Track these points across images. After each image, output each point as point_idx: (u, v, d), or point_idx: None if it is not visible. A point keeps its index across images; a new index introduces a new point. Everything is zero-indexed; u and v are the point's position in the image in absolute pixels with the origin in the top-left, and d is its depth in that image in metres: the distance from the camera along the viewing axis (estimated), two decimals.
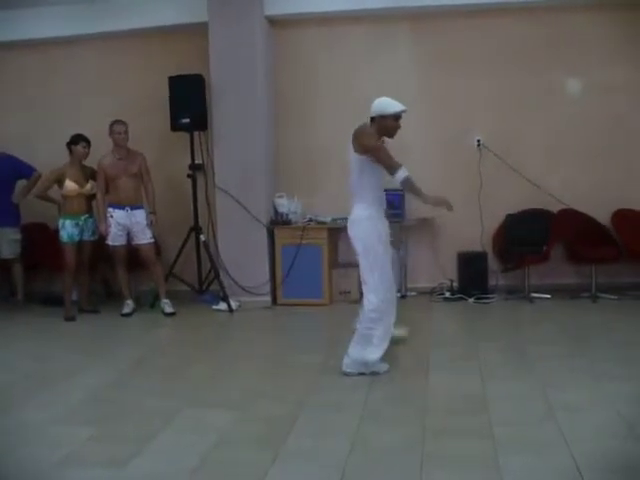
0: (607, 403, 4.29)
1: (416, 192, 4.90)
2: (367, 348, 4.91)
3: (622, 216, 7.61)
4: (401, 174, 4.73)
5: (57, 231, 7.40)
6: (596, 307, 7.26)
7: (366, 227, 4.89)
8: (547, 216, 7.66)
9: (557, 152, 7.80)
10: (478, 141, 7.85)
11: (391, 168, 4.74)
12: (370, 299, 4.87)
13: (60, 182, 7.35)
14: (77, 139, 7.36)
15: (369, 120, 4.87)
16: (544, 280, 7.75)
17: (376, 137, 4.83)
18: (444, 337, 6.20)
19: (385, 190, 5.08)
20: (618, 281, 7.63)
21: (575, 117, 7.71)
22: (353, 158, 4.84)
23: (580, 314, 6.97)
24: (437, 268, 7.90)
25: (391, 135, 4.93)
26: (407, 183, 4.80)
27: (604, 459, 3.49)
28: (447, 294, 7.77)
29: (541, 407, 4.27)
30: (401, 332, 5.58)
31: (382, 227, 4.99)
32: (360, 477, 3.42)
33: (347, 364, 4.98)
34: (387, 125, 4.86)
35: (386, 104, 4.88)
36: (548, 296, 7.57)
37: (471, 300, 7.59)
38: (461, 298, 7.65)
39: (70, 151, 7.37)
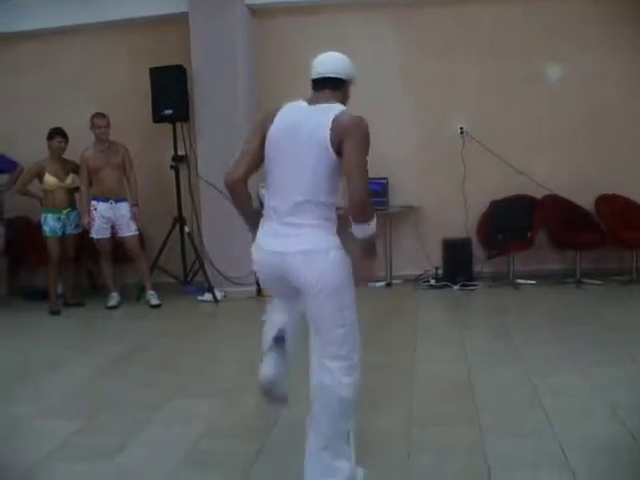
0: (592, 387, 4.33)
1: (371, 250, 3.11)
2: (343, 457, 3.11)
3: (605, 202, 7.63)
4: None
5: (40, 225, 7.36)
6: (580, 292, 7.29)
7: (340, 262, 3.04)
8: (531, 202, 7.68)
9: (540, 138, 7.81)
10: (461, 128, 7.85)
11: (364, 192, 2.92)
12: (352, 379, 3.11)
13: (40, 176, 7.30)
14: (52, 134, 7.30)
15: (320, 85, 3.22)
16: (529, 266, 7.78)
17: None
18: (429, 324, 6.21)
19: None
20: (602, 266, 7.67)
21: (558, 104, 7.73)
22: (324, 154, 2.96)
23: (565, 300, 7.01)
24: (422, 255, 7.91)
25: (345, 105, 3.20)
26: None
27: (590, 443, 3.52)
28: (432, 281, 7.78)
29: (527, 393, 4.30)
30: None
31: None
32: None
33: None
34: (348, 93, 3.30)
35: (352, 64, 3.33)
36: (533, 282, 7.60)
37: (456, 287, 7.60)
38: (446, 285, 7.66)
39: (48, 145, 7.34)
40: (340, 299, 3.04)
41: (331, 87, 3.18)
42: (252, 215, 3.42)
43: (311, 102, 3.16)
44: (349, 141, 2.92)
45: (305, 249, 3.00)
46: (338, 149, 2.95)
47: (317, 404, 3.15)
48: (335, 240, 3.04)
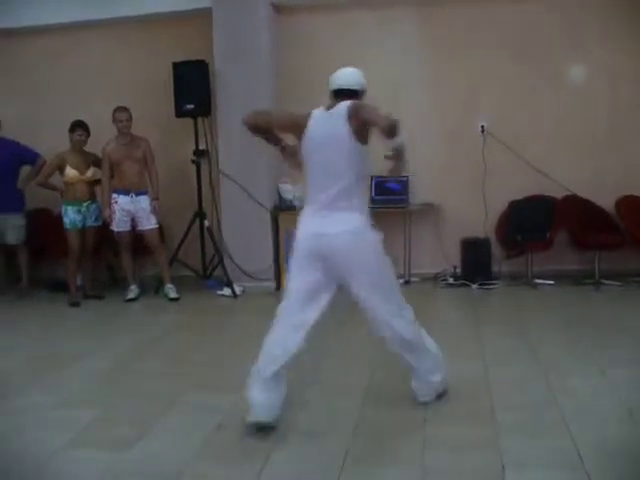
0: (609, 389, 4.31)
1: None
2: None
3: (626, 203, 7.59)
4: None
5: (61, 217, 7.43)
6: (599, 293, 7.26)
7: (377, 240, 3.81)
8: (551, 202, 7.65)
9: (561, 138, 7.78)
10: (482, 127, 7.84)
11: (384, 122, 3.35)
12: (405, 321, 3.92)
13: (61, 169, 7.37)
14: (74, 127, 7.38)
15: (337, 96, 3.87)
16: (547, 266, 7.75)
17: None
18: (447, 322, 6.20)
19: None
20: (621, 268, 7.62)
21: (579, 103, 7.70)
22: (349, 144, 3.65)
23: (583, 300, 6.98)
24: (441, 254, 7.90)
25: None
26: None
27: (605, 444, 3.51)
28: (450, 280, 7.77)
29: (543, 392, 4.29)
30: None
31: None
32: (362, 460, 3.44)
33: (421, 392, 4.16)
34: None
35: (364, 77, 3.99)
36: (551, 282, 7.57)
37: (474, 286, 7.60)
38: (464, 284, 7.66)
39: (70, 138, 7.40)
40: (380, 270, 3.80)
41: (347, 97, 3.79)
42: (281, 144, 4.10)
43: (328, 108, 3.81)
44: (357, 112, 3.57)
45: (345, 230, 3.68)
46: (357, 127, 3.60)
47: (394, 348, 3.99)
48: (367, 219, 3.76)
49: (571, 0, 7.60)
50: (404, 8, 7.87)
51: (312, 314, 3.81)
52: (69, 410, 4.30)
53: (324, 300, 3.82)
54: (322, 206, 3.73)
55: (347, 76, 3.92)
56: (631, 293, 7.18)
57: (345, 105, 3.66)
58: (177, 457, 3.56)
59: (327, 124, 3.72)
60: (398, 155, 3.37)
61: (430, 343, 4.12)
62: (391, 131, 3.30)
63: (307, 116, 3.84)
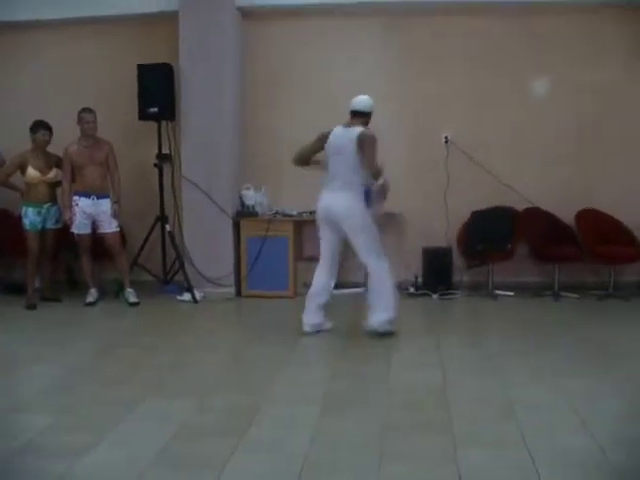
0: (566, 400, 4.35)
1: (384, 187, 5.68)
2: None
3: (586, 216, 7.69)
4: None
5: (20, 218, 7.32)
6: (558, 305, 7.35)
7: (364, 210, 5.75)
8: (512, 214, 7.71)
9: (524, 151, 7.88)
10: (446, 137, 7.89)
11: (373, 167, 5.62)
12: (381, 263, 5.85)
13: (23, 169, 7.26)
14: (36, 126, 7.26)
15: (354, 115, 5.80)
16: (508, 277, 7.82)
17: None
18: (407, 332, 6.21)
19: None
20: (580, 280, 7.73)
21: (543, 117, 7.80)
22: (354, 156, 5.66)
23: (542, 312, 7.07)
24: (402, 263, 7.90)
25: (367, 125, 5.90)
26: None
27: (561, 455, 3.54)
28: (411, 289, 7.80)
29: (500, 403, 4.32)
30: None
31: None
32: (319, 470, 3.43)
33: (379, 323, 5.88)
34: (370, 119, 5.89)
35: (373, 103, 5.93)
36: (511, 293, 7.65)
37: (435, 296, 7.64)
38: (425, 294, 7.70)
39: (32, 138, 7.30)
40: (364, 227, 5.78)
41: (361, 117, 5.82)
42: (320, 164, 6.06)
43: (347, 126, 5.80)
44: (364, 145, 5.61)
45: (347, 204, 5.73)
46: (360, 150, 5.63)
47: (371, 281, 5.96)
48: (361, 199, 5.73)
49: (539, 16, 7.68)
50: (372, 17, 7.89)
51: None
52: (22, 415, 4.23)
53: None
54: (335, 188, 5.77)
55: (363, 102, 5.83)
56: (589, 305, 7.29)
57: (359, 131, 5.66)
58: (134, 464, 3.50)
59: (343, 136, 5.74)
60: (382, 191, 5.59)
61: (390, 289, 5.88)
62: (374, 176, 5.56)
63: (329, 132, 5.86)
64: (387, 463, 3.47)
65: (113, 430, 3.95)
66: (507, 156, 7.86)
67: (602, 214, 7.66)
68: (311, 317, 6.04)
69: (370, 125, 5.84)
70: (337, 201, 5.74)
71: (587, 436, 3.76)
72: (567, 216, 7.73)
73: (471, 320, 6.83)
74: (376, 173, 5.54)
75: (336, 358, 5.44)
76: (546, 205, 7.73)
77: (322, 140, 5.88)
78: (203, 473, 3.40)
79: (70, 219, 7.25)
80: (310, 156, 6.01)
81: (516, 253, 7.64)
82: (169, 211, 7.79)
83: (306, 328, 6.02)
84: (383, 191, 5.61)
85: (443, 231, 7.87)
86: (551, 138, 7.80)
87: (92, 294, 7.46)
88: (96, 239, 7.40)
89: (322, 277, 5.99)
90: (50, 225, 7.38)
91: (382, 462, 3.48)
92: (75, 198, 7.23)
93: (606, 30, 7.63)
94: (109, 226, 7.31)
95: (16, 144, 7.40)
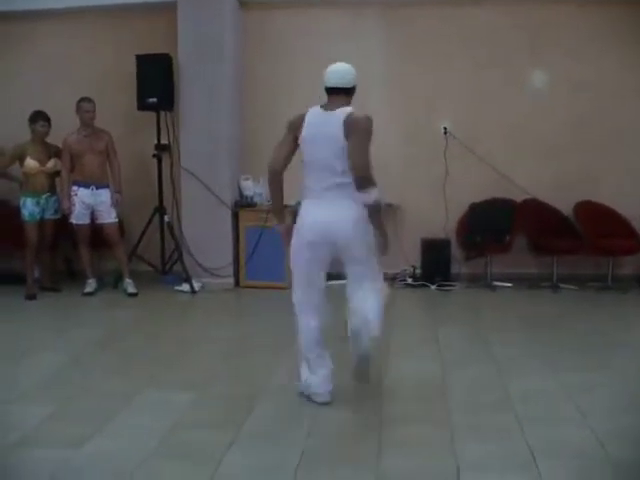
0: (564, 391, 4.37)
1: (379, 219, 4.08)
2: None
3: (584, 208, 7.70)
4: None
5: (19, 208, 7.31)
6: (556, 297, 7.36)
7: (370, 229, 4.05)
8: (511, 206, 7.72)
9: (522, 142, 7.86)
10: (445, 129, 7.88)
11: (363, 167, 3.92)
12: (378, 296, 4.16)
13: (21, 160, 7.25)
14: (35, 117, 7.24)
15: (332, 92, 4.06)
16: (506, 269, 7.82)
17: None
18: (405, 323, 6.23)
19: None
20: (578, 272, 7.73)
21: (542, 109, 7.78)
22: (342, 145, 3.93)
23: (540, 303, 7.08)
24: (400, 254, 7.90)
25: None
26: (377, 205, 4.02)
27: (558, 447, 3.56)
28: (410, 280, 7.81)
29: (499, 394, 4.34)
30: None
31: None
32: (317, 461, 3.44)
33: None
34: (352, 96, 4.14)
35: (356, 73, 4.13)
36: (509, 285, 7.66)
37: (433, 287, 7.65)
38: (423, 285, 7.70)
39: (31, 129, 7.28)
40: (370, 253, 4.09)
41: (343, 94, 4.04)
42: (281, 204, 4.35)
43: (327, 108, 4.04)
44: (352, 131, 3.89)
45: (353, 220, 3.96)
46: (348, 139, 3.88)
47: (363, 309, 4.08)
48: (362, 209, 3.94)
49: (538, 9, 7.66)
50: (370, 8, 7.87)
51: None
52: (22, 406, 4.23)
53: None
54: (324, 196, 4.02)
55: (343, 74, 4.08)
56: (587, 297, 7.29)
57: (346, 113, 3.95)
58: (131, 455, 3.51)
59: (323, 121, 4.01)
60: (374, 212, 3.96)
61: (376, 302, 4.10)
62: (360, 183, 3.86)
63: (301, 117, 4.10)
64: (386, 455, 3.48)
65: (111, 421, 3.95)
66: (506, 148, 7.85)
67: (601, 206, 7.66)
68: (323, 383, 4.23)
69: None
70: (337, 217, 3.98)
71: (585, 427, 3.78)
72: (566, 208, 7.73)
73: (469, 311, 6.84)
74: (365, 178, 3.86)
75: (332, 352, 5.44)
76: (545, 197, 7.73)
77: (294, 129, 4.12)
78: (201, 464, 3.41)
79: (69, 209, 7.24)
80: (286, 163, 4.18)
81: (514, 245, 7.63)
82: (168, 201, 7.78)
83: (324, 398, 4.20)
84: (375, 213, 3.99)
85: (442, 222, 7.86)
86: (550, 130, 7.79)
87: (91, 284, 7.45)
88: (95, 229, 7.39)
89: (313, 322, 4.23)
90: (49, 215, 7.37)
91: (381, 454, 3.49)
92: (74, 188, 7.23)
93: (606, 25, 7.59)
94: (108, 216, 7.30)
95: (15, 135, 7.38)
